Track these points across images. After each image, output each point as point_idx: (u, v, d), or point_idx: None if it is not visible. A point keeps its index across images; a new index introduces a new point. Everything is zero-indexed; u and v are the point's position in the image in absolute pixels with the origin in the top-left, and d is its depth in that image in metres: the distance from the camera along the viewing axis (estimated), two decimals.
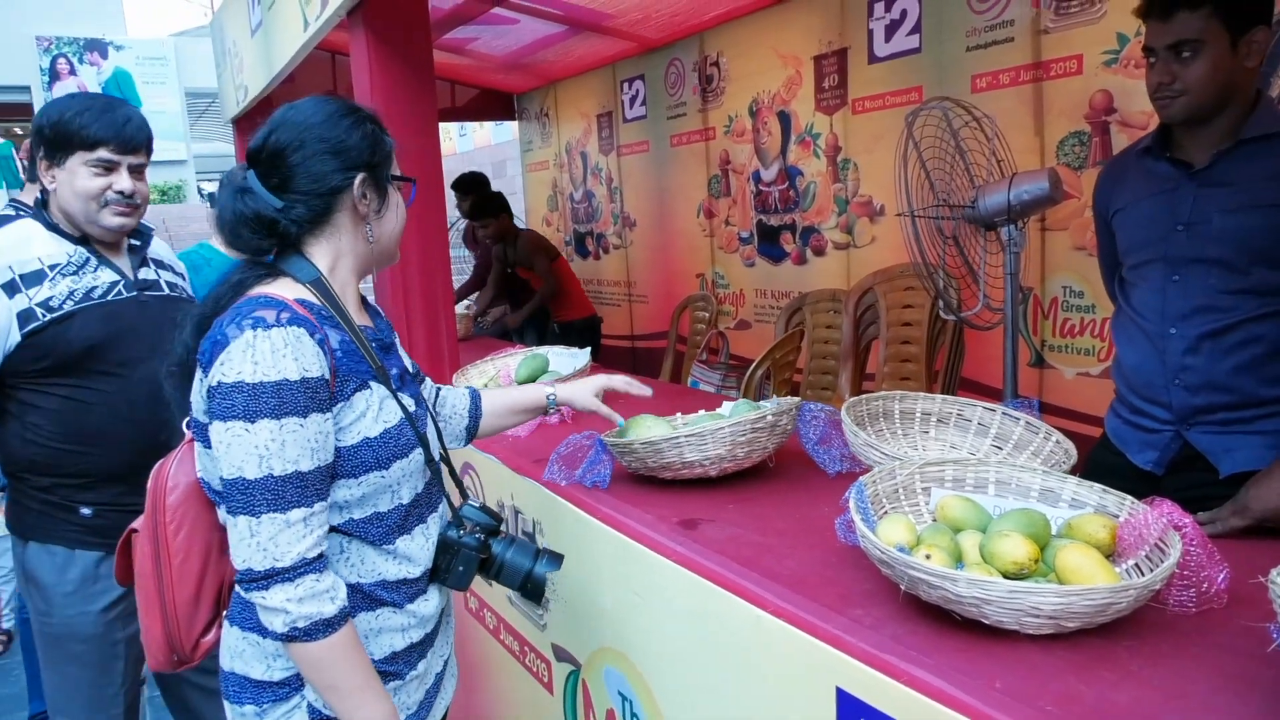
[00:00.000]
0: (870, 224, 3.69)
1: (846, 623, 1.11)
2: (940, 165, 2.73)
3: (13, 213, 2.36)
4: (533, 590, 1.39)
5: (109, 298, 1.82)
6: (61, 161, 1.77)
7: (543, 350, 2.71)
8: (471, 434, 1.63)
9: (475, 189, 5.19)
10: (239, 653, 1.21)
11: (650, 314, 5.35)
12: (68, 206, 1.79)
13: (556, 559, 1.42)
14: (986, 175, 2.72)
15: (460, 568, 1.31)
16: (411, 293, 2.78)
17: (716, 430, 1.58)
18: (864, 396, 1.72)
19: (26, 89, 16.35)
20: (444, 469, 1.38)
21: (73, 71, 16.75)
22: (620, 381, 1.75)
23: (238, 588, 1.14)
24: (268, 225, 1.20)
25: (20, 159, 2.55)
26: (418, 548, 1.27)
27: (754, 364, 2.95)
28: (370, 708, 1.16)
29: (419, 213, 2.76)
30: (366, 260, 1.30)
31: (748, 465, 1.67)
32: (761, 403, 1.82)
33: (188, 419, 1.23)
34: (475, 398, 1.64)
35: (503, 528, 1.39)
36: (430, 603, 1.30)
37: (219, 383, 1.08)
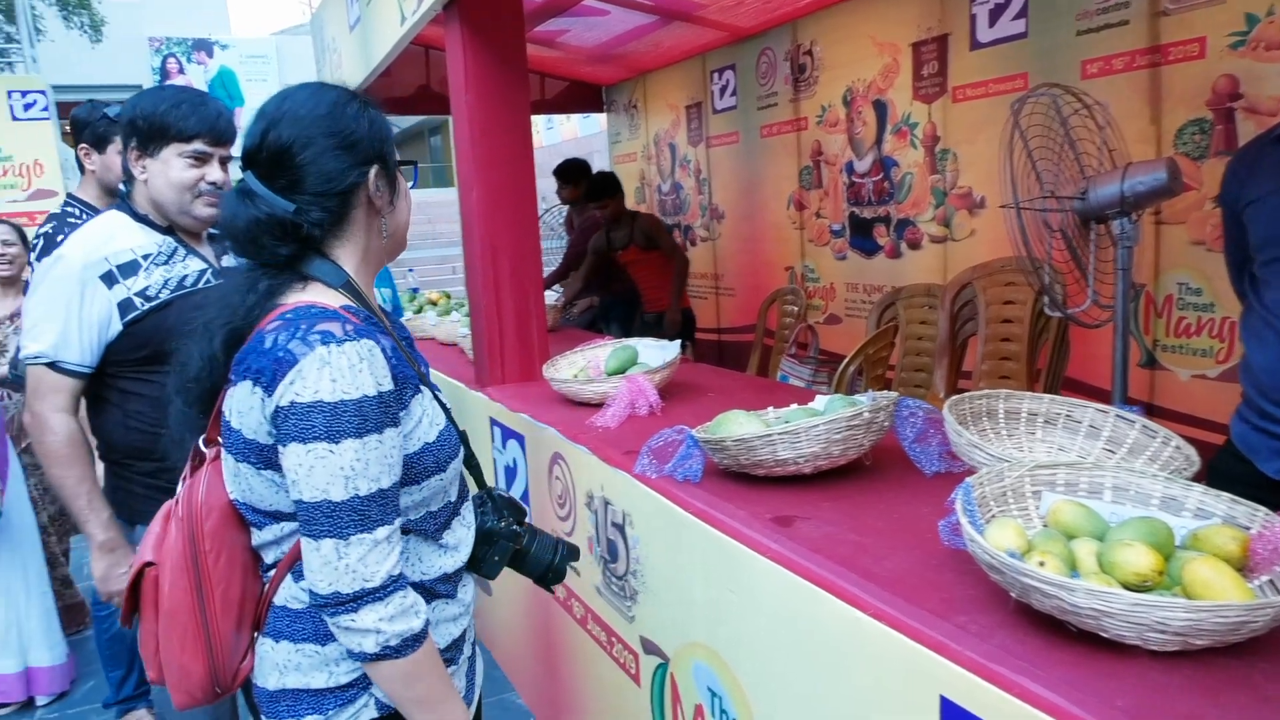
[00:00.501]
0: (969, 216, 3.57)
1: (952, 629, 1.08)
2: (1047, 155, 2.62)
3: (75, 210, 2.51)
4: (553, 579, 1.41)
5: (199, 286, 1.90)
6: (155, 152, 1.84)
7: (632, 342, 2.70)
8: None
9: (582, 174, 5.24)
10: (292, 666, 1.14)
11: (737, 307, 5.31)
12: (160, 196, 1.85)
13: (576, 550, 1.44)
14: (1097, 165, 2.60)
15: (496, 557, 1.32)
16: (502, 284, 2.82)
17: (811, 428, 1.54)
18: (966, 394, 1.66)
19: (139, 88, 17.21)
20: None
21: (181, 70, 17.56)
22: None
23: (312, 610, 1.12)
24: (289, 229, 1.11)
25: (79, 154, 2.68)
26: (460, 538, 1.25)
27: (846, 359, 2.89)
28: (455, 715, 1.15)
29: (511, 204, 2.79)
30: (380, 255, 1.24)
31: (842, 463, 1.64)
32: (856, 398, 1.78)
33: (203, 438, 1.19)
34: None
35: (526, 519, 1.41)
36: (469, 588, 1.29)
37: (293, 403, 1.02)
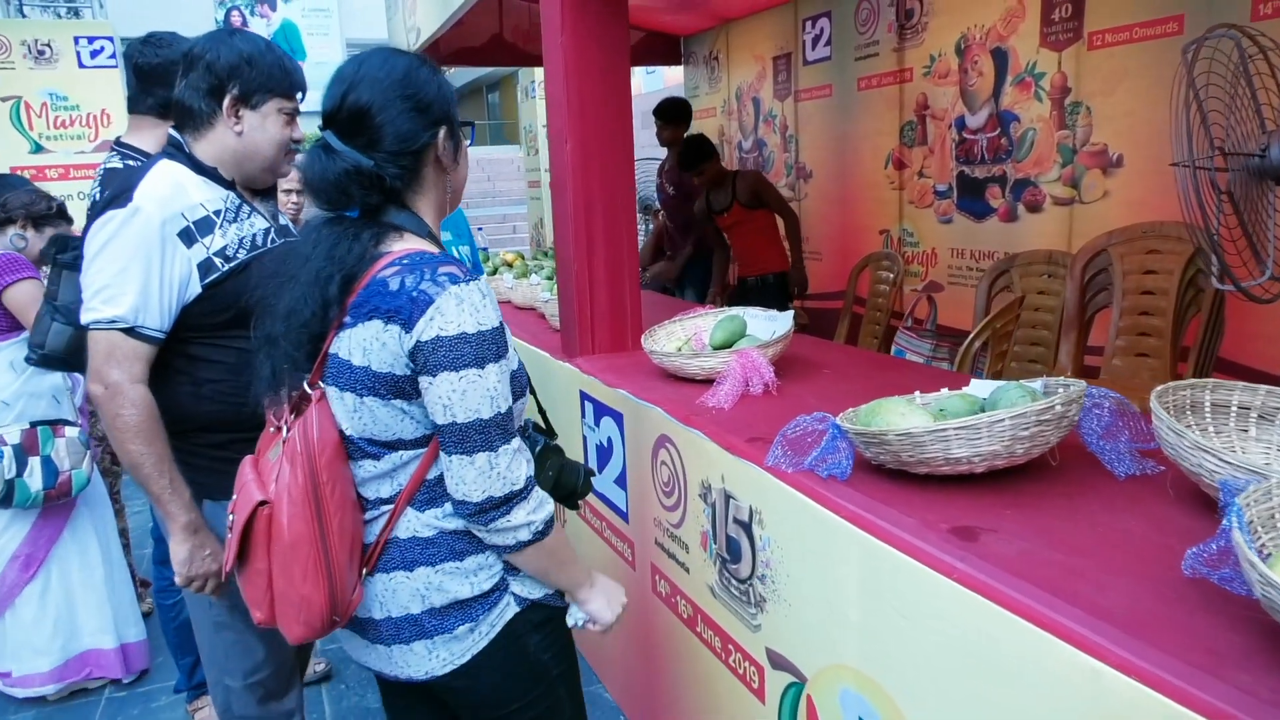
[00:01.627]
0: (1103, 176, 3.26)
1: (1236, 694, 0.86)
2: (1218, 107, 2.31)
3: (118, 162, 2.27)
4: (583, 493, 1.50)
5: (267, 245, 1.76)
6: (259, 104, 1.69)
7: (738, 311, 2.49)
8: None
9: (684, 113, 5.04)
10: (435, 587, 1.27)
11: (825, 272, 5.04)
12: (256, 151, 1.71)
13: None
14: (1276, 119, 2.30)
15: (551, 472, 1.42)
16: (595, 245, 2.62)
17: (995, 423, 1.32)
18: (1171, 385, 1.41)
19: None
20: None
21: (244, 23, 17.56)
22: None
23: (458, 521, 1.27)
24: (375, 181, 1.22)
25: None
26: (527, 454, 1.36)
27: (972, 334, 2.64)
28: (580, 568, 1.39)
29: (608, 157, 2.59)
30: (445, 210, 1.36)
31: (1022, 462, 1.41)
32: (1028, 384, 1.55)
33: (305, 380, 1.27)
34: None
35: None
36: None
37: (438, 337, 1.16)
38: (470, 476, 1.19)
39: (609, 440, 2.39)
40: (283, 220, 1.87)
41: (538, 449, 1.40)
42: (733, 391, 2.05)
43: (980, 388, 1.67)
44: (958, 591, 1.17)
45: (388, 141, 1.22)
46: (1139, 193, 3.08)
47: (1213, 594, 1.03)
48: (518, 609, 1.32)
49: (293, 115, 1.74)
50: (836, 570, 1.44)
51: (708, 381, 2.14)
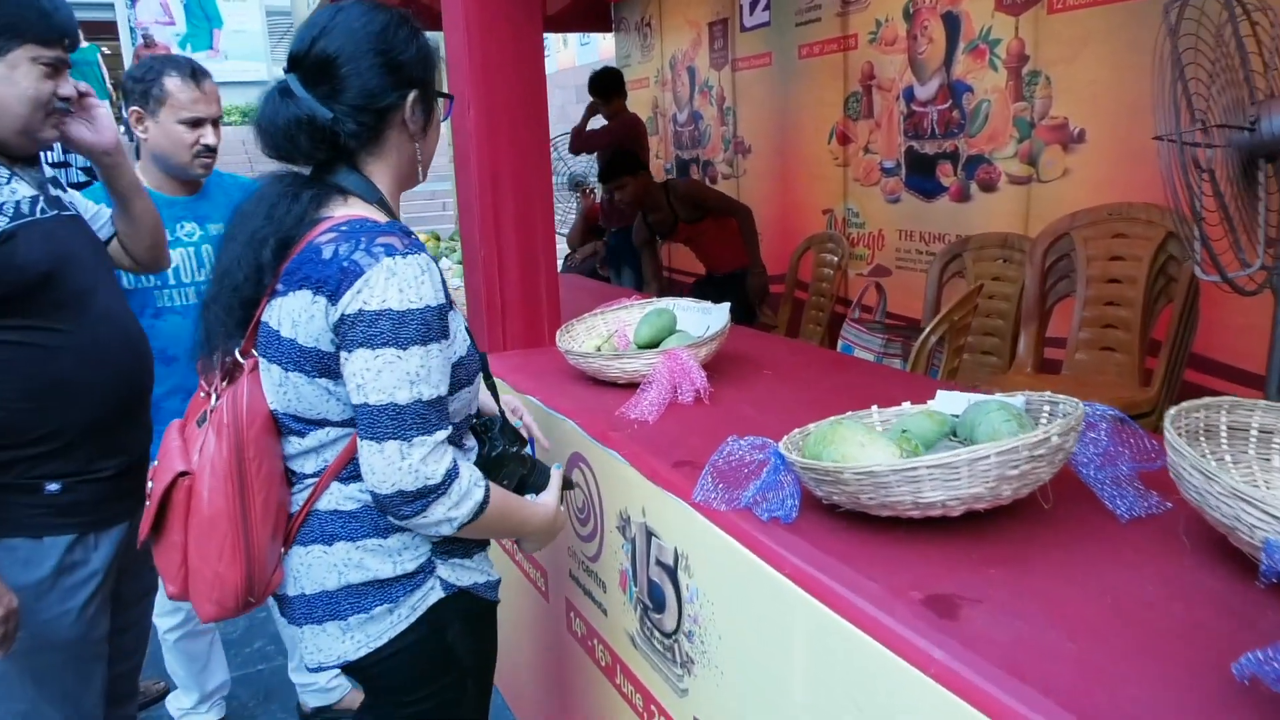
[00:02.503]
0: (1063, 153, 3.04)
1: None
2: (1199, 75, 2.09)
3: None
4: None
5: (36, 215, 1.45)
6: (4, 52, 1.40)
7: (667, 303, 2.20)
8: None
9: (617, 84, 4.80)
10: (354, 564, 1.22)
11: (765, 254, 4.76)
12: (5, 109, 1.42)
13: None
14: (1266, 89, 2.08)
15: (505, 481, 1.33)
16: (505, 227, 2.31)
17: (977, 460, 1.06)
18: (1185, 407, 1.17)
19: (110, 6, 16.28)
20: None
21: None
22: (528, 418, 1.64)
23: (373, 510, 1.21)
24: (325, 135, 1.17)
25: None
26: (470, 446, 1.33)
27: (929, 328, 2.40)
28: (539, 517, 1.34)
29: (518, 126, 2.28)
30: (407, 178, 1.30)
31: (1006, 503, 1.15)
32: (1011, 400, 1.30)
33: (238, 347, 1.22)
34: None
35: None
36: None
37: (360, 311, 1.09)
38: (379, 465, 1.11)
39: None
40: (55, 191, 1.56)
41: (495, 453, 1.33)
42: (658, 400, 1.77)
43: (948, 401, 1.42)
44: (935, 692, 0.90)
45: (350, 94, 1.17)
46: (1103, 171, 2.87)
47: (1267, 701, 0.78)
48: (443, 594, 1.26)
49: (55, 67, 1.44)
50: (779, 637, 1.17)
51: (631, 386, 1.86)
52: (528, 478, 1.37)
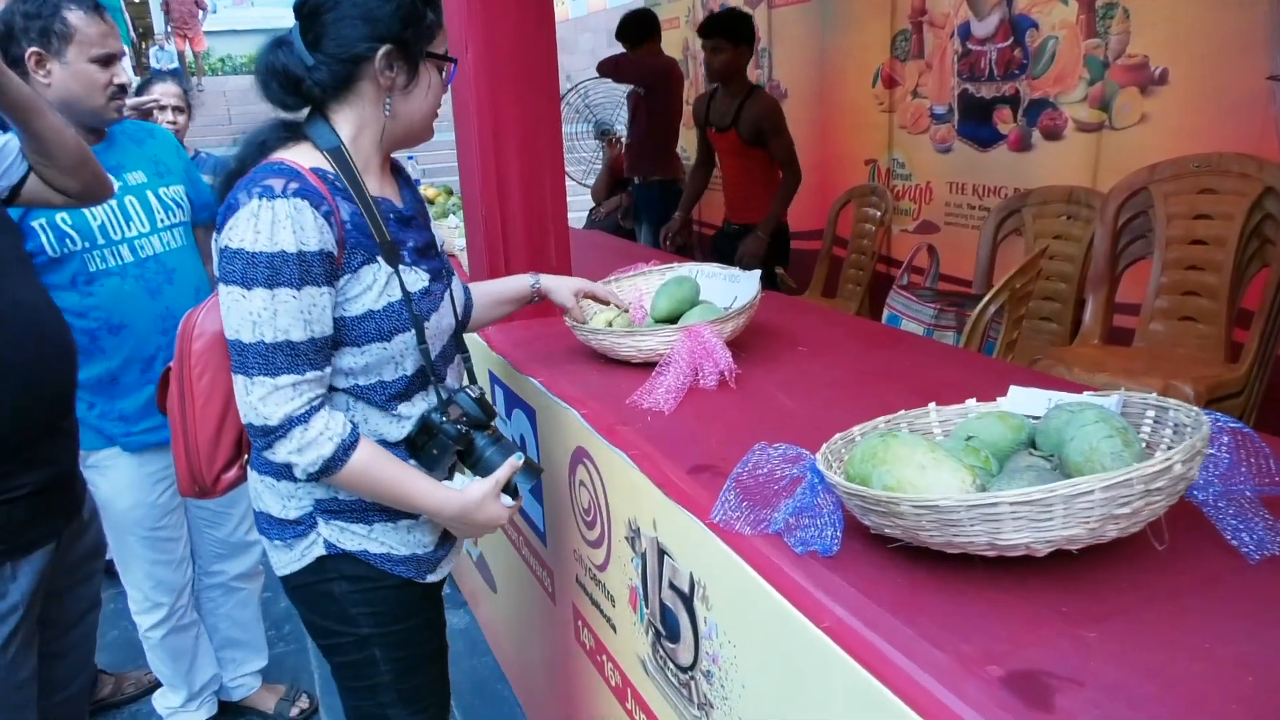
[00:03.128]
0: (1141, 97, 2.74)
1: None
2: None
3: None
4: (506, 491, 1.36)
5: None
6: None
7: (688, 269, 1.97)
8: (462, 327, 1.55)
9: (647, 30, 4.36)
10: (259, 494, 1.34)
11: (801, 208, 4.47)
12: None
13: (533, 471, 1.41)
14: None
15: (435, 451, 1.32)
16: (509, 182, 2.08)
17: (1078, 496, 0.83)
18: None
19: None
20: (459, 353, 1.48)
21: None
22: (602, 290, 1.78)
23: None
24: (294, 83, 1.23)
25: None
26: (418, 412, 1.33)
27: (987, 297, 2.15)
28: (437, 501, 1.29)
29: (523, 67, 2.03)
30: (392, 135, 1.31)
31: (1106, 542, 0.92)
32: (1104, 400, 1.07)
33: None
34: (466, 290, 1.62)
35: (493, 423, 1.39)
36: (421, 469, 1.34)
37: (225, 247, 1.16)
38: (236, 395, 1.20)
39: (521, 439, 1.89)
40: None
41: (425, 418, 1.31)
42: (676, 386, 1.55)
43: (1024, 400, 1.19)
44: None
45: (327, 42, 1.21)
46: (1187, 117, 2.57)
47: None
48: (324, 552, 1.32)
49: None
50: (815, 700, 0.96)
51: (648, 366, 1.64)
52: (469, 455, 1.34)
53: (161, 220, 1.96)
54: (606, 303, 1.79)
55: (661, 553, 1.27)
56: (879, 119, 3.95)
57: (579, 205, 6.46)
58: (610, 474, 1.43)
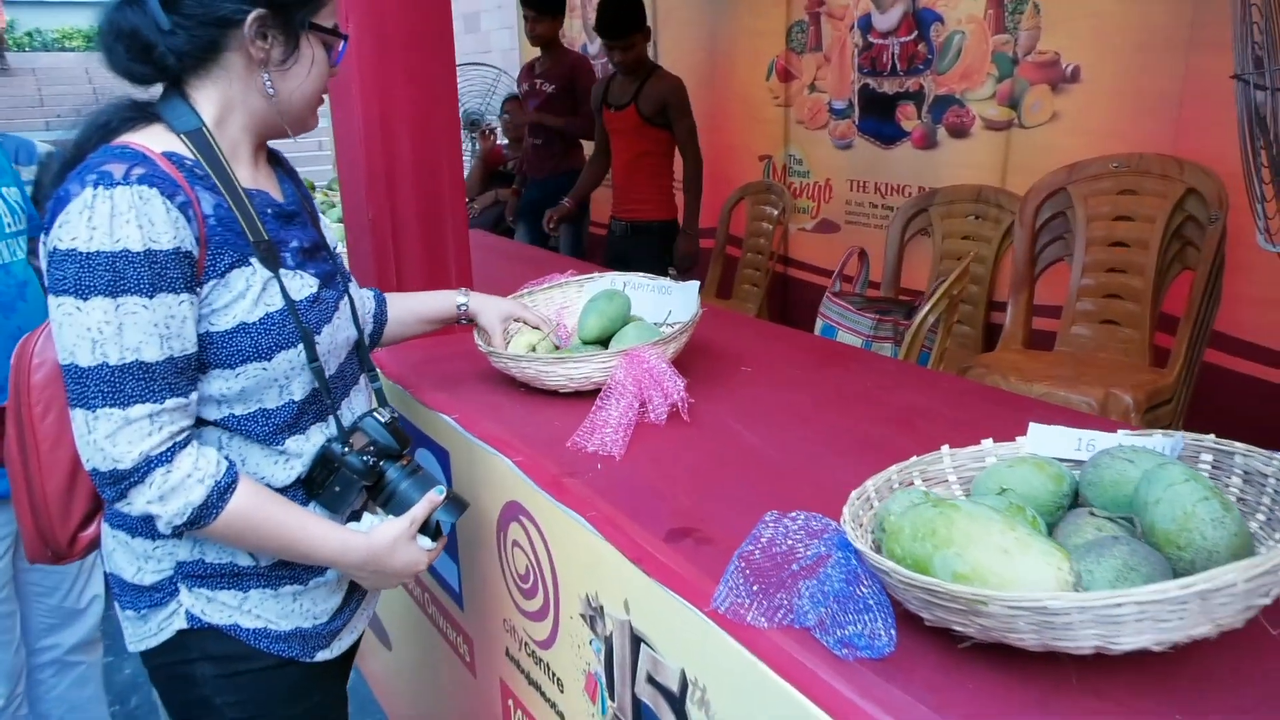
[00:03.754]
0: (1051, 94, 2.71)
1: None
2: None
3: None
4: (425, 532, 1.18)
5: None
6: None
7: (612, 279, 1.76)
8: (373, 342, 1.45)
9: (554, 4, 3.95)
10: (109, 552, 1.14)
11: None
12: None
13: (458, 506, 1.21)
14: None
15: (337, 488, 1.14)
16: (399, 176, 1.81)
17: (1217, 590, 0.67)
18: None
19: None
20: (363, 371, 1.29)
21: None
22: (534, 318, 1.59)
23: None
24: (144, 49, 1.03)
25: None
26: (313, 448, 1.14)
27: (926, 307, 2.03)
28: (336, 547, 1.10)
29: (413, 39, 1.77)
30: (267, 118, 1.12)
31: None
32: (1162, 443, 0.93)
33: None
34: (380, 299, 1.48)
35: (408, 452, 1.22)
36: (322, 510, 1.16)
37: (54, 249, 0.96)
38: (76, 435, 0.98)
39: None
40: None
41: (323, 449, 1.14)
42: (624, 423, 1.35)
43: (1049, 440, 1.05)
44: None
45: (186, 2, 1.01)
46: (1101, 117, 2.55)
47: None
48: (186, 625, 1.11)
49: None
50: None
51: (579, 395, 1.43)
52: (379, 490, 1.17)
53: (9, 225, 1.63)
54: (536, 327, 1.60)
55: (637, 640, 1.06)
56: (774, 113, 3.84)
57: None
58: (557, 538, 1.21)
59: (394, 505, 1.17)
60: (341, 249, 2.41)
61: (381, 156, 1.79)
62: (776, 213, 3.77)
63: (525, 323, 1.58)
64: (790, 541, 0.89)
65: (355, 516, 1.20)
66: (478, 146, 5.76)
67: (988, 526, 0.78)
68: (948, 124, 3.06)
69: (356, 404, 1.24)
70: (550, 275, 1.90)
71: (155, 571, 1.10)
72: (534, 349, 1.58)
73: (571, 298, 1.82)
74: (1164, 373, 2.17)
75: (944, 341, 2.15)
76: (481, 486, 1.41)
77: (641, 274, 1.76)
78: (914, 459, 1.04)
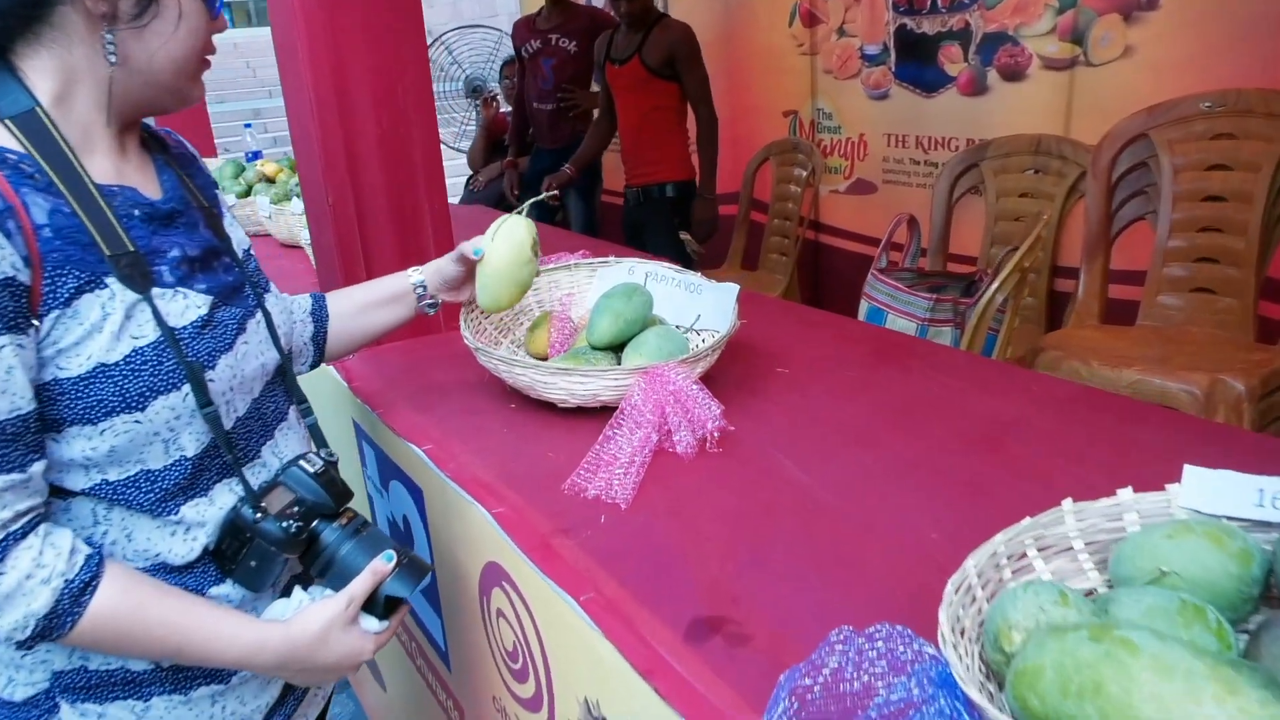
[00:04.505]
0: (1123, 25, 2.37)
1: None
2: None
3: None
4: (372, 610, 0.95)
5: None
6: None
7: (632, 268, 1.48)
8: (321, 347, 1.18)
9: None
10: None
11: None
12: None
13: (414, 574, 0.96)
14: None
15: (253, 563, 0.91)
16: (363, 152, 1.54)
17: None
18: None
19: None
20: (292, 404, 1.05)
21: None
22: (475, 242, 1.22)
23: None
24: None
25: None
26: (219, 512, 0.91)
27: (995, 284, 1.73)
28: (226, 648, 0.87)
29: (373, 22, 1.50)
30: (131, 91, 0.88)
31: None
32: None
33: None
34: (319, 300, 1.20)
35: (349, 506, 0.99)
36: (239, 588, 0.95)
37: None
38: None
39: (404, 520, 1.37)
40: None
41: (233, 516, 0.91)
42: (638, 461, 1.07)
43: (1217, 490, 0.79)
44: None
45: None
46: (1186, 49, 2.21)
47: None
48: None
49: None
50: None
51: (585, 409, 1.18)
52: (313, 559, 0.95)
53: None
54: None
55: None
56: (799, 63, 3.52)
57: (454, 171, 5.83)
58: (548, 620, 0.94)
59: (333, 576, 0.95)
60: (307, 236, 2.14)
61: (339, 130, 1.52)
62: (805, 174, 3.47)
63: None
64: (867, 675, 0.62)
65: (285, 593, 0.96)
66: (481, 116, 5.46)
67: (1193, 689, 0.50)
68: (999, 65, 2.72)
69: (286, 447, 1.00)
70: (559, 254, 1.63)
71: (27, 684, 0.88)
72: (528, 344, 1.31)
73: (581, 283, 1.55)
74: (1269, 352, 1.86)
75: (1012, 321, 1.85)
76: (458, 539, 1.15)
77: (667, 264, 1.48)
78: (1026, 523, 0.76)
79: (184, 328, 0.86)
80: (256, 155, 3.89)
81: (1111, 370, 1.78)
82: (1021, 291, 1.89)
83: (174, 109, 0.93)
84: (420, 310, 1.24)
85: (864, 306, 2.03)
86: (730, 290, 1.33)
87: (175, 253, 0.90)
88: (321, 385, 1.62)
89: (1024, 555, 0.77)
